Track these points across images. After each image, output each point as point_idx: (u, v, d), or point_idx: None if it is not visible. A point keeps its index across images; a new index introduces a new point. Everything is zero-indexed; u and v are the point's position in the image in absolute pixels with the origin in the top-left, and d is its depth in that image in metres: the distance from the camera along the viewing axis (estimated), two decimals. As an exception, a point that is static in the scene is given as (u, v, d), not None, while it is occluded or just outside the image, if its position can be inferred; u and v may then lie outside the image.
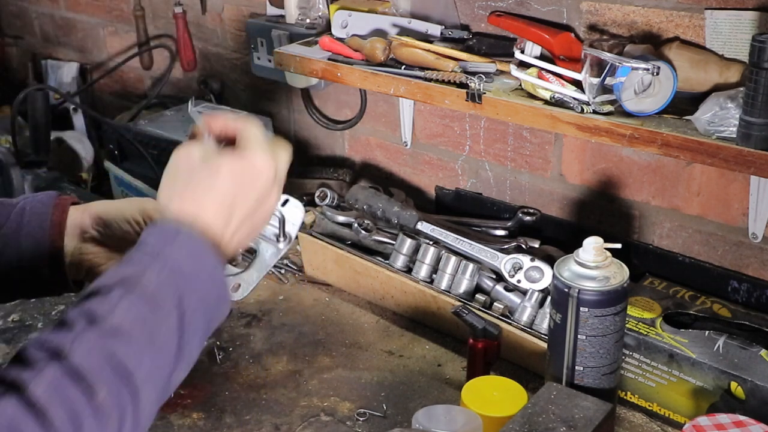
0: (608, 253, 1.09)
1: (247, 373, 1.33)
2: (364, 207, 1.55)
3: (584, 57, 1.23)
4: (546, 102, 1.27)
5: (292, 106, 1.91)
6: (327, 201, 1.60)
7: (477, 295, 1.37)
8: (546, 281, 1.32)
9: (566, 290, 1.08)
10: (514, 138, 1.54)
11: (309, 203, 1.61)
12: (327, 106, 1.84)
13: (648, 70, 1.15)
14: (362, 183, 1.69)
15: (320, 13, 1.65)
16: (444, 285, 1.40)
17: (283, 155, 0.85)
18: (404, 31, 1.48)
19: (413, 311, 1.44)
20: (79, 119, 2.18)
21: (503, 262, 1.37)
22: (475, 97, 1.32)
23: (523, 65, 1.32)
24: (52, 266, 0.94)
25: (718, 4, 1.22)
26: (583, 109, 1.22)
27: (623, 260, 1.11)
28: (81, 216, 0.97)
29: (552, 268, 1.14)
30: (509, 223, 1.53)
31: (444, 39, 1.45)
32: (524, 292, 1.34)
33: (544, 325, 1.29)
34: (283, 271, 1.60)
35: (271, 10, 1.78)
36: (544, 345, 1.20)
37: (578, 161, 1.48)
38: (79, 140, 2.07)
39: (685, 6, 1.25)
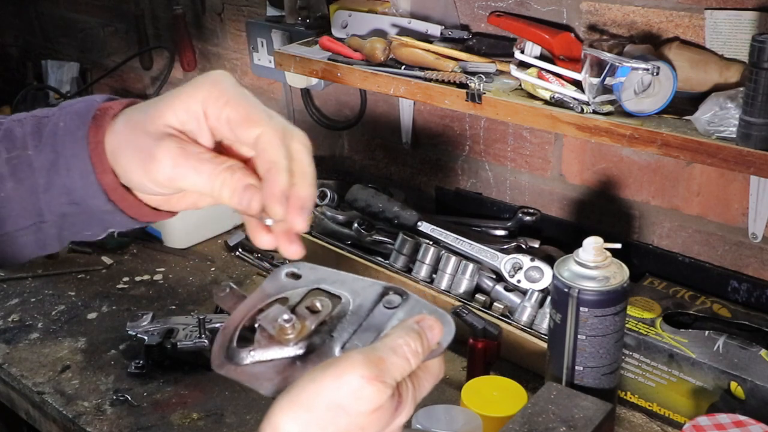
0: (608, 253, 1.09)
1: (247, 373, 1.33)
2: (364, 207, 1.55)
3: (584, 57, 1.22)
4: (546, 102, 1.27)
5: (292, 106, 1.91)
6: (327, 201, 1.60)
7: (477, 295, 1.37)
8: (546, 281, 1.32)
9: (566, 290, 1.08)
10: (514, 138, 1.54)
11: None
12: (327, 106, 1.84)
13: (648, 70, 1.15)
14: (362, 183, 1.69)
15: (320, 13, 1.65)
16: (444, 285, 1.40)
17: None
18: (404, 31, 1.48)
19: (413, 311, 1.43)
20: (79, 119, 2.18)
21: (503, 262, 1.37)
22: (474, 97, 1.32)
23: (523, 65, 1.32)
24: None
25: (718, 4, 1.22)
26: (583, 109, 1.22)
27: (623, 260, 1.11)
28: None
29: (552, 268, 1.14)
30: (509, 223, 1.53)
31: (444, 39, 1.45)
32: (524, 292, 1.34)
33: (544, 325, 1.29)
34: (283, 271, 1.60)
35: (271, 10, 1.78)
36: (544, 345, 1.20)
37: (578, 161, 1.48)
38: (79, 140, 2.06)
39: (685, 6, 1.25)
